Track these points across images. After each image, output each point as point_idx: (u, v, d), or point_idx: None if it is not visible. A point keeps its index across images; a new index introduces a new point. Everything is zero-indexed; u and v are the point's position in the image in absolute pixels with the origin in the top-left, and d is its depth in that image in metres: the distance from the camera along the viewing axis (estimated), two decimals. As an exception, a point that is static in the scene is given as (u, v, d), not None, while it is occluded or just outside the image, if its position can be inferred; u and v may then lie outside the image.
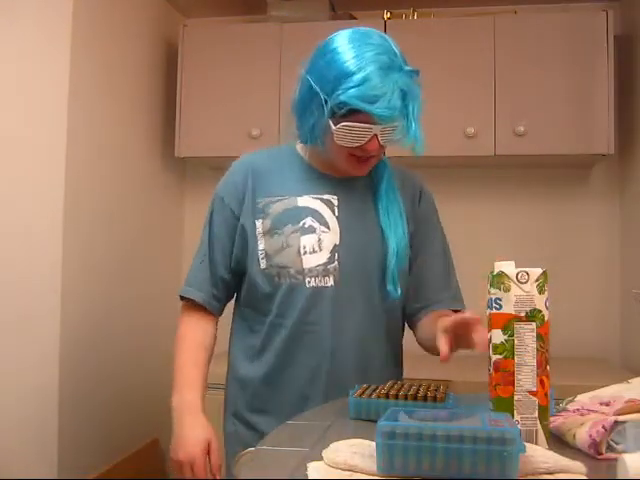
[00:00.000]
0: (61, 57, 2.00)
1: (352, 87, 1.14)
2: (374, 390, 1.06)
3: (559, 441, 0.87)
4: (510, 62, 2.35)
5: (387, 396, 1.02)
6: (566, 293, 2.46)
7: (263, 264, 1.29)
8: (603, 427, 0.80)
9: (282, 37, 2.47)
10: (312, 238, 1.27)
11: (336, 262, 1.27)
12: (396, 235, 1.29)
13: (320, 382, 1.27)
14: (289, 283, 1.27)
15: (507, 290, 0.86)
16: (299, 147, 1.38)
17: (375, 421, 0.73)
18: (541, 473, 0.72)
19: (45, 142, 1.99)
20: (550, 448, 0.82)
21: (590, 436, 0.81)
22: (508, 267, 0.87)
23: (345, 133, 1.19)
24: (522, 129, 2.30)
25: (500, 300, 0.86)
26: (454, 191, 2.66)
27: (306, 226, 1.28)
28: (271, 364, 1.30)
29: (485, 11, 2.47)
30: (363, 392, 1.06)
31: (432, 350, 1.20)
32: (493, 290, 0.87)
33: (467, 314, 1.02)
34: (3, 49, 1.98)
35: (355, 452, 0.76)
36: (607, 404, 0.92)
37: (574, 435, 0.84)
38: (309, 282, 1.26)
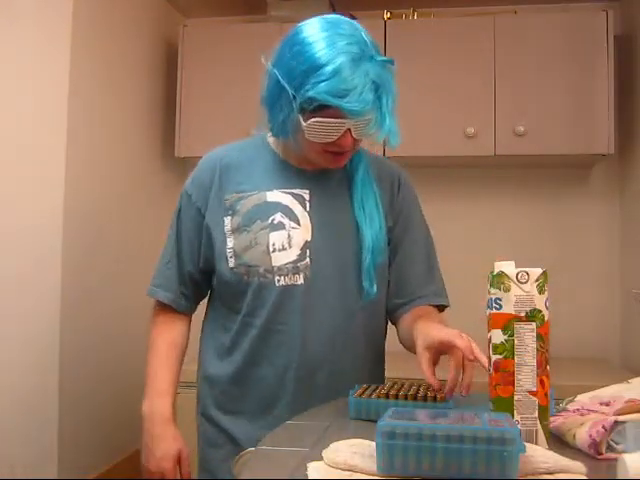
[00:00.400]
0: (61, 57, 2.00)
1: (321, 81, 1.08)
2: (374, 390, 1.06)
3: (559, 441, 0.87)
4: (510, 62, 2.35)
5: (387, 396, 1.02)
6: (566, 293, 2.46)
7: (232, 263, 1.24)
8: (603, 427, 0.80)
9: (282, 37, 2.46)
10: (281, 235, 1.22)
11: (307, 259, 1.22)
12: (372, 229, 1.24)
13: (289, 383, 1.23)
14: (258, 282, 1.22)
15: (507, 290, 0.86)
16: (271, 139, 1.33)
17: (375, 421, 0.73)
18: (541, 473, 0.72)
19: (45, 142, 1.99)
20: (550, 448, 0.82)
21: (590, 436, 0.81)
22: (508, 267, 0.87)
23: (316, 129, 1.13)
24: (522, 129, 2.30)
25: (500, 300, 0.86)
26: (454, 191, 2.66)
27: (275, 222, 1.22)
28: (239, 363, 1.27)
29: (485, 11, 2.47)
30: (363, 392, 1.06)
31: (412, 349, 1.18)
32: (493, 290, 0.87)
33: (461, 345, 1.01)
34: (3, 49, 1.98)
35: (355, 452, 0.76)
36: (607, 404, 0.92)
37: (574, 435, 0.84)
38: (278, 281, 1.22)
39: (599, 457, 0.80)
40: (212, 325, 1.37)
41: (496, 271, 0.88)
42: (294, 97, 1.12)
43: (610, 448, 0.81)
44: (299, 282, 1.22)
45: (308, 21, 1.19)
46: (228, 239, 1.25)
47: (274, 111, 1.20)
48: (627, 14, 2.47)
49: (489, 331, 0.88)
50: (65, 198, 1.99)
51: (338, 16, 1.19)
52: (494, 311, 0.87)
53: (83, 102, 2.09)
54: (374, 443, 0.72)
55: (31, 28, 1.98)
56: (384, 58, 1.15)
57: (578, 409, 0.94)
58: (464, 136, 2.34)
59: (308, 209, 1.25)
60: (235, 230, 1.24)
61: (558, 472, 0.72)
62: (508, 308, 0.86)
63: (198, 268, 1.32)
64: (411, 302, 1.31)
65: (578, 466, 0.73)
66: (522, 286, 0.86)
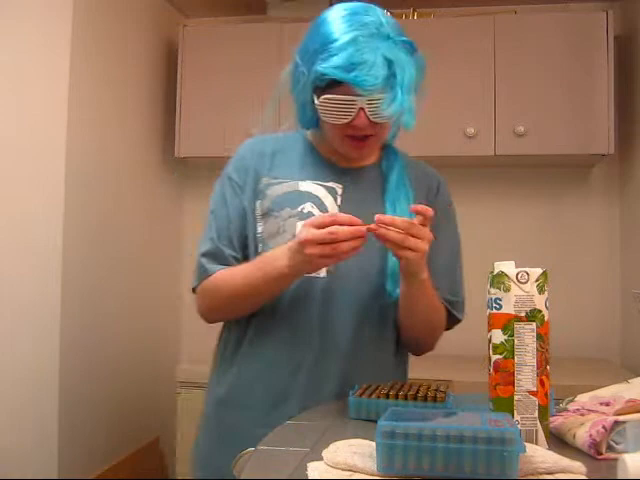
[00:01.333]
0: (61, 57, 2.00)
1: (330, 56, 1.09)
2: (374, 390, 1.06)
3: (559, 441, 0.87)
4: (510, 62, 2.35)
5: (387, 396, 1.02)
6: (566, 293, 2.46)
7: (260, 248, 1.22)
8: (603, 427, 0.80)
9: (282, 37, 2.46)
10: None
11: None
12: None
13: (301, 377, 1.21)
14: None
15: (507, 290, 0.86)
16: (309, 134, 1.32)
17: (375, 421, 0.73)
18: (541, 473, 0.72)
19: (45, 142, 1.99)
20: (550, 448, 0.82)
21: (590, 436, 0.81)
22: (508, 267, 0.87)
23: (328, 107, 1.12)
24: (522, 129, 2.30)
25: (500, 300, 0.86)
26: (454, 191, 2.63)
27: (305, 212, 1.21)
28: (253, 354, 1.24)
29: (485, 11, 2.47)
30: (363, 392, 1.06)
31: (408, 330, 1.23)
32: (493, 290, 0.87)
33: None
34: (3, 49, 1.98)
35: (355, 452, 0.76)
36: (607, 404, 0.92)
37: (574, 435, 0.84)
38: None
39: (599, 457, 0.80)
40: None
41: (496, 271, 0.88)
42: (307, 75, 1.13)
43: (610, 448, 0.81)
44: (321, 274, 1.20)
45: (328, 9, 1.18)
46: (258, 224, 1.24)
47: (296, 97, 1.21)
48: (627, 14, 2.47)
49: (489, 331, 0.88)
50: (65, 198, 1.99)
51: (363, 3, 1.18)
52: (494, 311, 0.87)
53: (83, 102, 2.09)
54: (374, 443, 0.72)
55: (31, 28, 1.99)
56: (404, 39, 1.14)
57: (578, 409, 0.94)
58: (464, 136, 2.34)
59: (339, 203, 1.24)
60: (264, 214, 1.23)
61: (558, 472, 0.72)
62: (508, 308, 0.86)
63: (238, 252, 1.27)
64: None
65: (578, 466, 0.73)
66: (522, 286, 0.86)
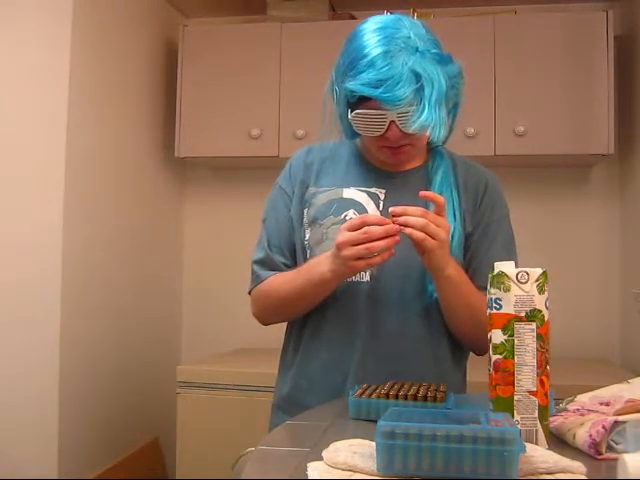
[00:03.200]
0: (61, 57, 2.00)
1: (358, 73, 1.12)
2: (374, 390, 1.06)
3: (559, 441, 0.87)
4: (510, 62, 2.35)
5: (387, 396, 1.02)
6: (566, 293, 2.46)
7: (308, 255, 1.27)
8: (603, 427, 0.80)
9: (282, 37, 2.46)
10: None
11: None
12: None
13: (351, 377, 1.23)
14: None
15: (507, 290, 0.86)
16: (358, 140, 1.35)
17: (375, 421, 0.73)
18: (541, 473, 0.72)
19: (45, 142, 1.99)
20: (550, 448, 0.82)
21: (590, 436, 0.81)
22: (508, 267, 0.87)
23: (360, 122, 1.17)
24: (522, 129, 2.30)
25: (500, 300, 0.86)
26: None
27: (347, 218, 1.24)
28: (309, 354, 1.29)
29: (485, 11, 2.47)
30: (363, 392, 1.06)
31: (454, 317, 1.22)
32: (493, 290, 0.87)
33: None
34: (3, 49, 1.98)
35: (355, 452, 0.76)
36: (607, 404, 0.92)
37: (574, 435, 0.84)
38: None
39: (599, 457, 0.80)
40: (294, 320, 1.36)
41: (496, 271, 0.88)
42: (339, 91, 1.18)
43: (610, 448, 0.81)
44: (365, 279, 1.24)
45: (371, 18, 1.20)
46: (306, 231, 1.28)
47: (337, 111, 1.25)
48: (627, 14, 2.47)
49: (489, 331, 0.88)
50: (65, 198, 1.99)
51: (398, 14, 1.21)
52: (494, 311, 0.87)
53: (83, 102, 2.09)
54: (374, 443, 0.72)
55: (31, 28, 1.99)
56: (436, 51, 1.15)
57: (578, 409, 0.94)
58: (464, 136, 2.34)
59: (381, 208, 1.26)
60: (311, 223, 1.28)
61: (558, 472, 0.72)
62: (508, 308, 0.86)
63: (288, 259, 1.32)
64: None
65: (578, 466, 0.73)
66: (522, 286, 0.86)
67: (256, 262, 1.33)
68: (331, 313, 1.26)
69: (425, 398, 1.01)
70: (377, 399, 1.02)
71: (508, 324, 0.86)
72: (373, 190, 1.28)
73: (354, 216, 1.24)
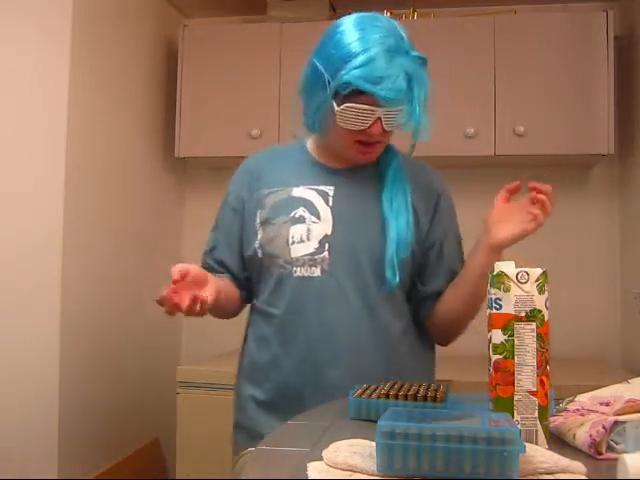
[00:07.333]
0: (61, 57, 2.00)
1: (357, 67, 1.14)
2: (374, 390, 1.06)
3: (559, 441, 0.87)
4: (510, 62, 2.35)
5: (387, 396, 1.02)
6: (566, 293, 2.46)
7: (259, 254, 1.30)
8: (603, 427, 0.80)
9: (282, 37, 2.46)
10: (301, 228, 1.27)
11: (325, 252, 1.26)
12: (398, 223, 1.27)
13: (305, 375, 1.25)
14: (279, 273, 1.28)
15: (507, 290, 0.86)
16: (309, 144, 1.39)
17: (375, 421, 0.73)
18: (541, 473, 0.72)
19: (45, 142, 1.99)
20: (550, 448, 0.82)
21: (590, 436, 0.81)
22: (508, 267, 0.87)
23: (348, 115, 1.18)
24: (522, 129, 2.30)
25: (500, 300, 0.86)
26: (454, 191, 2.64)
27: (297, 216, 1.28)
28: (271, 353, 1.31)
29: (485, 11, 2.47)
30: (363, 392, 1.06)
31: (458, 307, 1.29)
32: (493, 290, 0.87)
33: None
34: (3, 49, 1.98)
35: (355, 452, 0.76)
36: (607, 404, 0.92)
37: (574, 435, 0.84)
38: (296, 271, 1.26)
39: (599, 457, 0.80)
40: (251, 315, 1.42)
41: (496, 271, 0.88)
42: (329, 82, 1.17)
43: (610, 448, 0.81)
44: (315, 274, 1.26)
45: (348, 16, 1.25)
46: (258, 232, 1.31)
47: (311, 99, 1.25)
48: (627, 14, 2.47)
49: (489, 331, 0.88)
50: (65, 198, 1.99)
51: (377, 13, 1.25)
52: (494, 311, 0.87)
53: (83, 102, 2.09)
54: (374, 443, 0.72)
55: (31, 28, 1.99)
56: (418, 54, 1.20)
57: (578, 409, 0.94)
58: (464, 136, 2.34)
59: (330, 204, 1.29)
60: (263, 223, 1.31)
61: (558, 472, 0.72)
62: (508, 308, 0.86)
63: (231, 258, 1.39)
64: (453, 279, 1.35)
65: (578, 466, 0.73)
66: (522, 286, 0.86)
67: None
68: (282, 311, 1.28)
69: (425, 398, 1.01)
70: (377, 399, 1.02)
71: (508, 324, 0.86)
72: (322, 187, 1.31)
73: (303, 213, 1.28)
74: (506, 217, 1.22)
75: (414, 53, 1.19)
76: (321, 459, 0.76)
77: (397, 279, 1.25)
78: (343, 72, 1.15)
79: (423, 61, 1.22)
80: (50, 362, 1.95)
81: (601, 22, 2.29)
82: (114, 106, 2.32)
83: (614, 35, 2.29)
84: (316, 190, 1.30)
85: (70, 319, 2.01)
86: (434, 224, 1.36)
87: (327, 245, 1.26)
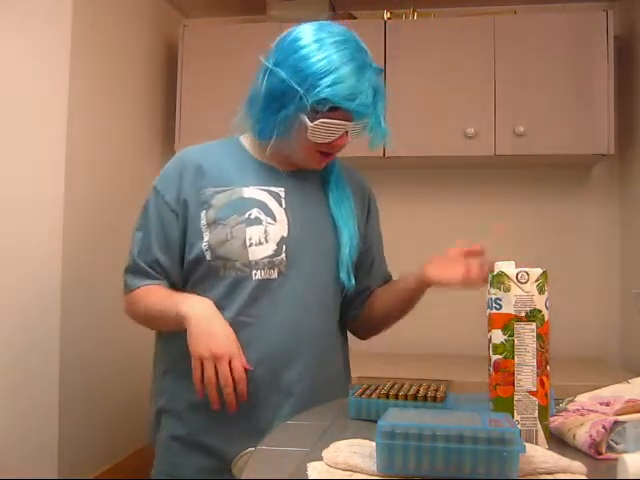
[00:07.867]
0: (61, 57, 2.00)
1: (333, 84, 1.14)
2: (374, 390, 1.06)
3: (559, 441, 0.87)
4: (510, 62, 2.35)
5: (387, 396, 1.02)
6: (566, 293, 2.46)
7: (208, 256, 1.24)
8: (603, 427, 0.80)
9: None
10: (258, 230, 1.24)
11: (283, 254, 1.24)
12: (348, 228, 1.30)
13: (259, 378, 1.20)
14: (235, 276, 1.23)
15: (507, 290, 0.86)
16: (245, 140, 1.37)
17: (375, 421, 0.73)
18: (541, 473, 0.72)
19: (45, 141, 1.99)
20: (550, 448, 0.82)
21: (590, 436, 0.81)
22: (508, 267, 0.88)
23: (321, 130, 1.19)
24: (522, 129, 2.30)
25: (500, 300, 0.87)
26: (454, 191, 2.66)
27: (252, 217, 1.24)
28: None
29: (485, 11, 2.47)
30: (363, 392, 1.06)
31: (390, 309, 1.35)
32: (493, 290, 0.87)
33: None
34: (3, 49, 1.98)
35: (355, 452, 0.76)
36: (607, 404, 0.92)
37: (574, 435, 0.84)
38: (255, 274, 1.23)
39: (599, 457, 0.80)
40: None
41: (496, 271, 0.88)
42: (301, 98, 1.16)
43: (610, 448, 0.81)
44: (273, 276, 1.24)
45: (303, 26, 1.25)
46: (204, 233, 1.26)
47: (271, 109, 1.23)
48: (627, 14, 2.47)
49: (489, 331, 0.88)
50: (65, 197, 1.99)
51: (329, 22, 1.27)
52: (494, 311, 0.87)
53: (83, 101, 2.09)
54: (374, 443, 0.72)
55: (31, 28, 1.98)
56: (377, 66, 1.23)
57: (578, 409, 0.94)
58: (464, 136, 2.34)
59: (284, 206, 1.28)
60: (211, 224, 1.25)
61: (558, 472, 0.72)
62: (508, 308, 0.86)
63: (167, 259, 1.31)
64: (385, 281, 1.43)
65: (578, 466, 0.73)
66: (522, 286, 0.86)
67: (126, 270, 1.40)
68: (234, 313, 1.23)
69: (425, 398, 1.01)
70: (377, 399, 1.02)
71: (508, 324, 0.86)
72: (273, 188, 1.29)
73: (258, 215, 1.25)
74: (446, 264, 1.26)
75: (375, 65, 1.22)
76: (321, 459, 0.76)
77: (352, 281, 1.29)
78: (319, 89, 1.15)
79: (381, 71, 1.25)
80: (50, 362, 1.95)
81: (601, 22, 2.29)
82: (114, 106, 2.32)
83: (614, 35, 2.29)
84: (267, 191, 1.28)
85: (70, 320, 2.01)
86: (369, 226, 1.41)
87: (284, 247, 1.25)
